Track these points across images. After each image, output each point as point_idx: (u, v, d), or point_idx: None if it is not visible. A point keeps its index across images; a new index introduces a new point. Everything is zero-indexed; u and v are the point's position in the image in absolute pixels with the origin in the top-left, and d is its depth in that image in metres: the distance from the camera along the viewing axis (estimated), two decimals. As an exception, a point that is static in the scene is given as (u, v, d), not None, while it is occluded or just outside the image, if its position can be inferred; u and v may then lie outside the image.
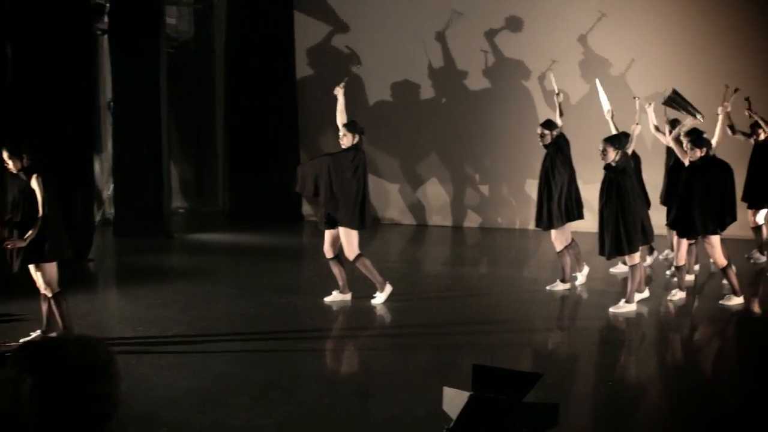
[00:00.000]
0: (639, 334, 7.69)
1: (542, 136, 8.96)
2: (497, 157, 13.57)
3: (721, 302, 8.37)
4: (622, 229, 7.89)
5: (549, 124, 9.00)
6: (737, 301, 8.35)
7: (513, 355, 6.73)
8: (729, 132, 9.72)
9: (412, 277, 9.90)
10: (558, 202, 8.84)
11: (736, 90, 9.11)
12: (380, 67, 13.61)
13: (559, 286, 8.99)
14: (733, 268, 8.49)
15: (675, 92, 8.79)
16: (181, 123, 14.87)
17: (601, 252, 8.07)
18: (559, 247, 8.95)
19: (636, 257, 8.06)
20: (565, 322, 8.27)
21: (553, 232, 8.93)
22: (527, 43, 13.22)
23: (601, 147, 7.98)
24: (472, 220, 13.70)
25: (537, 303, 8.57)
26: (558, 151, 8.89)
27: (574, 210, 8.89)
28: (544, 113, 12.41)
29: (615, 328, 7.74)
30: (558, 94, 9.21)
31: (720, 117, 8.96)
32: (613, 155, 7.94)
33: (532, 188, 13.14)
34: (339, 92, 8.36)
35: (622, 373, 6.46)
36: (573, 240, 9.02)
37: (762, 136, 9.79)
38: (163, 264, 10.58)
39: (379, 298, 8.32)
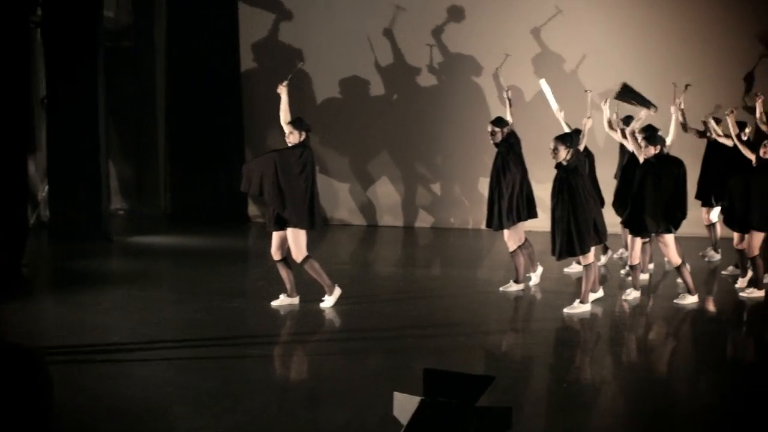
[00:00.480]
0: (594, 334, 7.84)
1: (492, 133, 9.08)
2: (449, 155, 13.68)
3: (675, 301, 8.57)
4: (574, 229, 8.03)
5: (499, 122, 9.12)
6: (692, 299, 8.56)
7: (466, 358, 6.82)
8: (682, 130, 9.95)
9: (362, 279, 9.95)
10: (509, 201, 8.96)
11: (686, 86, 9.33)
12: (328, 62, 13.63)
13: (513, 287, 9.12)
14: (688, 266, 8.71)
15: (625, 86, 8.97)
16: (120, 120, 14.71)
17: (553, 252, 8.22)
18: (512, 247, 9.08)
19: (590, 257, 8.22)
20: (519, 323, 8.39)
21: (505, 232, 9.06)
22: (478, 37, 13.34)
23: (552, 145, 8.11)
24: (423, 220, 13.79)
25: (490, 304, 8.68)
26: (509, 150, 9.01)
27: (525, 209, 9.03)
28: (496, 110, 12.55)
29: (569, 329, 7.89)
30: (508, 90, 9.34)
31: (674, 115, 9.19)
32: (564, 154, 8.08)
33: (485, 187, 13.27)
34: (282, 90, 8.37)
35: (577, 375, 6.59)
36: (526, 240, 9.16)
37: (714, 136, 10.05)
38: (102, 268, 10.48)
39: (327, 302, 8.35)
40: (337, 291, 8.38)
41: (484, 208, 10.02)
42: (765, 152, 8.64)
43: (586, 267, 8.23)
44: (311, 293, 8.44)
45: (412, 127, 13.74)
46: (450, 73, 13.59)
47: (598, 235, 8.19)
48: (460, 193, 13.73)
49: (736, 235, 9.14)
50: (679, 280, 8.83)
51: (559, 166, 8.15)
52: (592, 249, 8.21)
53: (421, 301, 8.74)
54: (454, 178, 13.72)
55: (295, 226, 8.09)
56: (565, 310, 8.23)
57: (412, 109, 13.71)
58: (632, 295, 8.75)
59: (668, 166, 8.39)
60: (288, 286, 8.38)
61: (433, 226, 13.71)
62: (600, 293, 8.60)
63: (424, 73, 13.69)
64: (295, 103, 8.49)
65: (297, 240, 8.14)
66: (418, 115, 13.70)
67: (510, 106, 9.21)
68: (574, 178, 8.05)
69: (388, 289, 9.36)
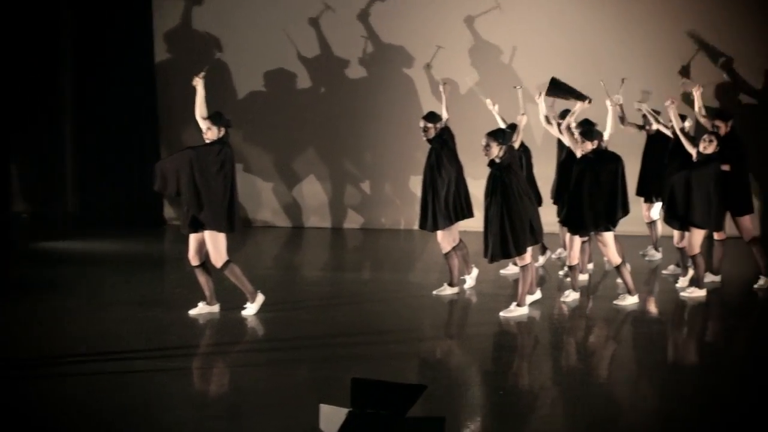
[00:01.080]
0: (531, 338, 7.92)
1: (425, 129, 9.10)
2: (379, 151, 13.68)
3: (615, 302, 8.72)
4: (508, 230, 8.10)
5: (432, 117, 9.15)
6: (632, 300, 8.71)
7: (399, 366, 6.82)
8: (620, 123, 10.13)
9: (287, 284, 9.88)
10: (444, 200, 9.00)
11: (623, 80, 9.50)
12: (251, 53, 13.50)
13: (447, 291, 9.16)
14: (628, 266, 8.86)
15: (554, 80, 9.07)
16: (22, 115, 14.34)
17: (486, 254, 8.27)
18: (446, 248, 9.12)
19: (526, 258, 8.30)
20: (453, 328, 8.43)
21: (439, 233, 9.09)
22: (409, 28, 13.37)
23: (484, 142, 8.16)
24: (352, 221, 13.76)
25: (424, 309, 8.70)
26: (443, 146, 9.05)
27: (462, 209, 9.07)
28: (429, 104, 12.61)
29: (506, 333, 7.95)
30: (444, 84, 9.37)
31: (610, 109, 9.34)
32: (496, 151, 8.13)
33: (417, 185, 13.32)
34: (198, 83, 8.26)
35: (515, 381, 6.64)
36: (461, 240, 9.21)
37: (654, 127, 10.24)
38: (3, 277, 10.21)
39: (250, 309, 8.27)
40: (260, 298, 8.30)
41: (416, 207, 10.06)
42: (705, 147, 8.84)
43: (523, 268, 8.31)
44: (232, 300, 8.35)
45: (340, 122, 13.71)
46: (380, 65, 13.58)
47: (534, 235, 8.26)
48: (391, 192, 13.74)
49: (676, 233, 9.34)
50: (619, 281, 8.98)
51: (491, 163, 8.20)
52: (529, 250, 8.29)
53: (351, 307, 8.71)
54: (384, 176, 13.73)
55: (213, 228, 7.98)
56: (502, 314, 8.29)
57: (340, 103, 13.67)
58: (571, 296, 8.86)
59: (606, 162, 8.52)
60: (207, 293, 8.28)
61: (362, 227, 13.69)
62: (538, 295, 8.69)
63: (353, 66, 13.66)
64: (215, 96, 8.39)
65: (216, 244, 8.04)
66: (346, 109, 13.67)
67: (445, 100, 9.24)
68: (508, 175, 8.11)
69: (315, 294, 9.30)
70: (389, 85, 13.52)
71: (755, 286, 9.41)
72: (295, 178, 13.91)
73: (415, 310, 8.64)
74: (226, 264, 8.12)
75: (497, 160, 8.15)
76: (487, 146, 8.13)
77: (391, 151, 13.59)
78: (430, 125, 9.09)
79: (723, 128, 9.33)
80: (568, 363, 7.19)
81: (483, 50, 13.25)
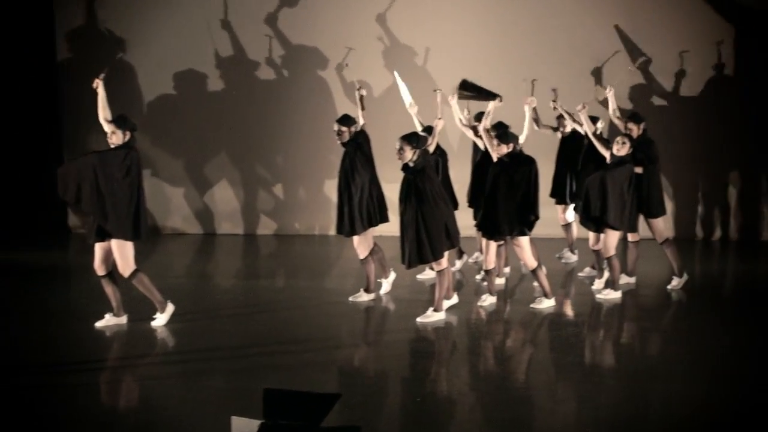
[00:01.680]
0: (449, 344, 8.02)
1: (339, 133, 9.13)
2: (292, 155, 13.66)
3: (532, 306, 8.88)
4: (424, 235, 8.18)
5: (346, 120, 9.18)
6: (549, 303, 8.89)
7: (315, 375, 6.82)
8: (534, 126, 10.32)
9: (199, 293, 9.79)
10: (359, 205, 9.04)
11: (533, 81, 9.68)
12: (158, 53, 13.35)
13: (363, 297, 9.20)
14: (544, 269, 9.03)
15: (464, 82, 9.18)
16: None
17: (403, 260, 8.34)
18: (362, 254, 9.16)
19: (443, 263, 8.40)
20: (370, 335, 8.48)
21: (355, 238, 9.13)
22: (321, 28, 13.39)
23: (397, 145, 8.23)
24: (266, 227, 13.71)
25: (340, 316, 8.73)
26: (357, 150, 9.09)
27: (376, 213, 9.13)
28: (343, 107, 12.65)
29: (424, 339, 8.03)
30: (360, 87, 9.41)
31: (526, 111, 9.52)
32: (410, 154, 8.21)
33: (331, 190, 13.35)
34: (98, 85, 8.14)
35: (433, 388, 6.72)
36: (376, 245, 9.26)
37: (568, 129, 10.47)
38: None
39: (160, 320, 8.18)
40: (170, 308, 8.22)
41: (331, 212, 10.09)
42: (618, 149, 9.07)
43: (439, 273, 8.40)
44: (141, 311, 8.26)
45: (253, 125, 13.64)
46: (292, 66, 13.57)
47: (450, 240, 8.36)
48: (305, 197, 13.73)
49: (591, 235, 9.56)
50: (536, 284, 9.15)
51: (405, 167, 8.27)
52: (445, 254, 8.38)
53: (265, 316, 8.69)
54: (298, 180, 13.71)
55: (119, 237, 7.87)
56: (419, 320, 8.37)
57: (251, 105, 13.60)
58: (488, 301, 8.99)
59: (520, 165, 8.67)
60: (114, 304, 8.17)
61: (276, 233, 13.65)
62: (454, 300, 8.79)
63: (264, 67, 13.61)
64: (121, 98, 8.27)
65: (123, 252, 7.93)
66: (258, 112, 13.61)
67: (362, 103, 9.27)
68: (422, 180, 8.19)
69: (228, 303, 9.25)
70: (302, 87, 13.51)
71: (669, 287, 9.69)
72: (207, 183, 13.79)
73: (331, 317, 8.66)
74: (134, 273, 8.01)
75: (411, 164, 8.22)
76: (401, 150, 8.19)
77: (304, 155, 13.58)
78: (344, 129, 9.12)
79: (635, 130, 9.59)
80: (486, 368, 7.29)
81: (397, 51, 13.35)
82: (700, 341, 7.76)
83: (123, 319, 8.21)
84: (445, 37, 13.20)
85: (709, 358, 7.27)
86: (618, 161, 9.07)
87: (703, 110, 13.10)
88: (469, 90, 9.12)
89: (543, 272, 8.93)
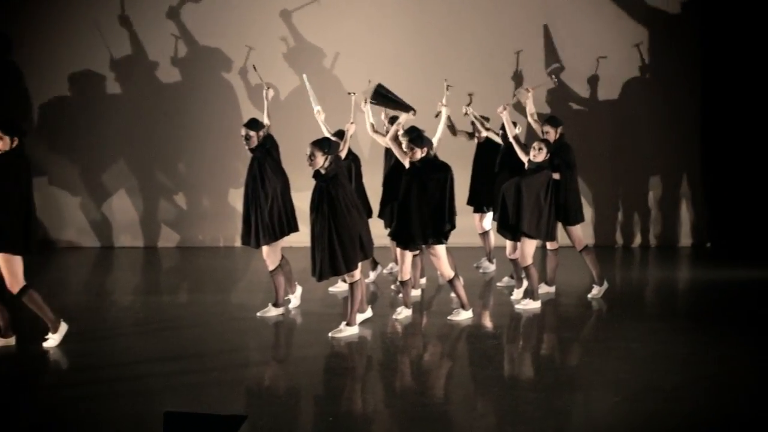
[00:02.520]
0: (363, 359, 7.98)
1: (247, 138, 9.02)
2: (196, 162, 13.50)
3: (449, 318, 8.90)
4: (337, 245, 8.12)
5: (254, 124, 9.08)
6: (466, 315, 8.92)
7: (222, 395, 6.73)
8: (450, 132, 10.36)
9: (96, 311, 9.59)
10: (269, 214, 8.94)
11: (447, 86, 9.74)
12: (51, 53, 13.08)
13: (272, 311, 9.11)
14: (461, 279, 9.07)
15: (379, 88, 9.15)
16: None
17: (314, 273, 8.27)
18: (272, 265, 9.07)
19: (356, 274, 8.35)
20: (280, 352, 8.39)
21: (264, 248, 9.03)
22: (225, 27, 13.30)
23: (308, 151, 8.16)
24: (168, 239, 13.52)
25: (248, 332, 8.62)
26: (267, 155, 8.99)
27: (287, 223, 9.04)
28: (249, 111, 12.55)
29: (337, 355, 7.97)
30: (268, 89, 9.32)
31: (444, 111, 9.53)
32: (321, 161, 8.15)
33: (236, 199, 13.23)
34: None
35: (347, 406, 6.66)
36: (283, 258, 9.19)
37: (484, 134, 10.55)
38: None
39: (52, 340, 7.97)
40: (64, 327, 8.01)
41: (237, 222, 9.94)
42: (535, 155, 9.17)
43: (352, 285, 8.35)
44: (32, 331, 8.06)
45: (153, 130, 13.44)
46: (194, 68, 13.43)
47: (364, 250, 8.32)
48: (209, 206, 13.57)
49: (508, 244, 9.64)
50: (453, 295, 9.17)
51: (317, 174, 8.21)
52: (359, 266, 8.34)
53: (168, 333, 8.55)
54: (201, 188, 13.55)
55: (6, 251, 7.65)
56: (331, 335, 8.31)
57: (152, 109, 13.41)
58: (404, 313, 8.98)
59: (434, 172, 8.67)
60: (2, 323, 7.94)
61: (178, 245, 13.48)
62: (369, 313, 8.76)
63: (166, 68, 13.44)
64: (7, 102, 8.04)
65: (11, 267, 7.71)
66: (159, 116, 13.42)
67: (267, 106, 9.18)
68: (335, 187, 8.14)
69: (127, 320, 9.08)
70: (204, 89, 13.36)
71: (589, 296, 9.84)
72: (104, 192, 13.53)
73: (238, 333, 8.55)
74: (23, 290, 7.79)
75: (322, 171, 8.17)
76: (312, 156, 8.13)
77: (208, 161, 13.45)
78: (252, 133, 9.01)
79: (552, 134, 9.71)
80: (402, 384, 7.27)
81: (305, 53, 13.31)
82: (621, 350, 7.88)
83: (11, 340, 7.99)
84: (357, 37, 13.21)
85: (631, 368, 7.38)
86: (535, 167, 9.17)
87: (622, 115, 13.40)
88: (384, 98, 9.09)
89: (460, 282, 8.97)
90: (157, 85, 13.43)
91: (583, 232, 10.05)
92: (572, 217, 9.72)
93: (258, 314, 9.08)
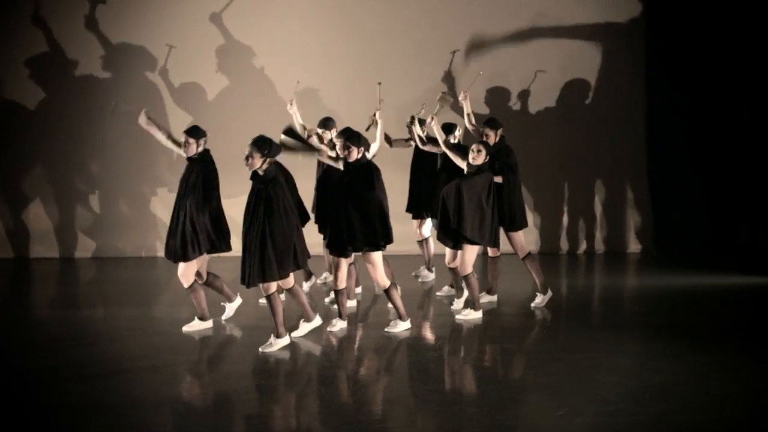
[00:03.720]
0: (299, 374, 7.98)
1: (186, 144, 8.91)
2: (115, 167, 13.38)
3: (387, 330, 8.94)
4: (270, 250, 8.12)
5: (195, 132, 8.97)
6: (404, 326, 8.97)
7: (145, 416, 6.70)
8: (387, 144, 10.37)
9: (6, 327, 9.50)
10: (201, 227, 8.82)
11: (379, 84, 9.77)
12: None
13: (199, 326, 9.08)
14: (398, 289, 9.11)
15: (288, 130, 8.87)
16: None
17: (243, 280, 8.26)
18: (187, 282, 9.01)
19: (289, 281, 8.38)
20: (207, 368, 8.35)
21: (181, 264, 8.92)
22: (146, 26, 13.23)
23: (246, 151, 8.15)
24: (84, 249, 13.38)
25: (174, 348, 8.59)
26: (208, 165, 8.89)
27: (220, 239, 8.94)
28: (175, 112, 12.51)
29: (266, 371, 7.96)
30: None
31: (379, 124, 9.49)
32: (259, 162, 8.15)
33: (158, 206, 13.16)
34: None
35: (279, 425, 6.66)
36: (210, 274, 9.18)
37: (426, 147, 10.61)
38: None
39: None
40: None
41: (160, 230, 9.84)
42: (474, 157, 9.25)
43: (269, 297, 8.36)
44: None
45: (71, 132, 13.31)
46: (114, 66, 13.32)
47: (296, 261, 8.32)
48: (130, 214, 13.45)
49: (448, 252, 9.69)
50: (390, 306, 9.21)
51: (254, 175, 8.21)
52: (291, 275, 8.36)
53: (86, 349, 8.49)
54: (120, 195, 13.42)
55: None
56: (261, 350, 8.31)
57: (72, 110, 13.28)
58: (338, 325, 9.01)
59: (365, 175, 8.69)
60: None
61: (95, 255, 13.34)
62: (317, 321, 8.86)
63: (86, 65, 13.33)
64: None
65: None
66: (78, 117, 13.30)
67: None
68: (273, 189, 8.14)
69: (42, 337, 9.01)
70: (128, 88, 13.25)
71: (532, 305, 9.96)
72: (16, 198, 13.36)
73: (162, 349, 8.50)
74: None
75: (261, 173, 8.17)
76: (250, 156, 8.12)
77: (128, 167, 13.33)
78: (191, 140, 8.90)
79: (492, 137, 9.81)
80: (338, 400, 7.29)
81: (233, 52, 13.30)
82: (566, 360, 7.99)
83: None
84: (285, 37, 13.24)
85: (577, 378, 7.48)
86: (475, 171, 9.24)
87: (565, 118, 13.58)
88: (291, 139, 8.89)
89: (397, 292, 9.01)
90: (77, 85, 13.29)
91: (526, 239, 10.16)
92: (516, 222, 9.81)
93: (184, 329, 9.06)
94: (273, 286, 8.35)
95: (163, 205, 12.95)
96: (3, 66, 13.21)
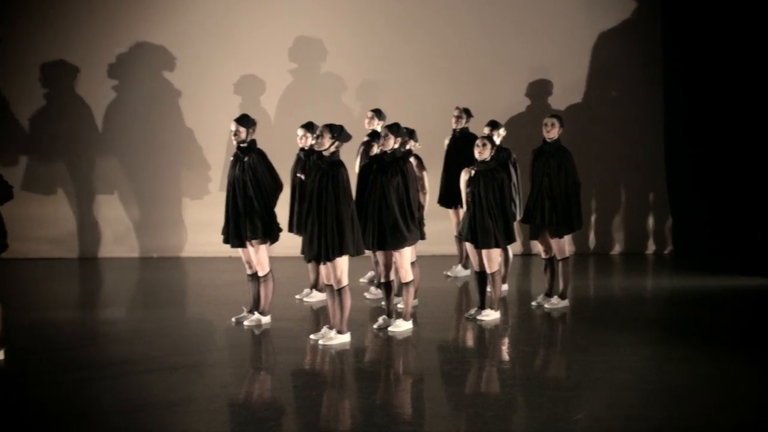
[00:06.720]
0: (336, 373, 8.14)
1: (237, 133, 9.17)
2: (162, 167, 13.76)
3: (390, 329, 9.12)
4: (348, 226, 8.40)
5: (244, 120, 9.25)
6: (406, 326, 9.14)
7: (196, 412, 6.89)
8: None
9: (77, 324, 9.85)
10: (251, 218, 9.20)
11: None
12: None
13: (259, 320, 9.40)
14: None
15: None
16: None
17: (314, 257, 8.50)
18: (262, 271, 9.33)
19: (344, 280, 8.64)
20: (257, 364, 8.57)
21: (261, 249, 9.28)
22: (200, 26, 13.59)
23: (318, 131, 8.47)
24: (133, 248, 13.74)
25: (233, 343, 8.95)
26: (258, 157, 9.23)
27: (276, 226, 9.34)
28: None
29: (320, 367, 8.18)
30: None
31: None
32: (327, 144, 8.44)
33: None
34: None
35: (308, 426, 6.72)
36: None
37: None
38: None
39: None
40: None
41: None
42: (480, 152, 9.35)
43: (340, 290, 8.54)
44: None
45: (143, 130, 13.71)
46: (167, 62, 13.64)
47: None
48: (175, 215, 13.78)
49: (472, 253, 9.65)
50: (398, 301, 9.46)
51: (319, 155, 8.48)
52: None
53: (141, 346, 8.75)
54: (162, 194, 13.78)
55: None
56: (322, 343, 8.59)
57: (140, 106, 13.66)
58: (403, 326, 9.16)
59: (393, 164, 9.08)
60: None
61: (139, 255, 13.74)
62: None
63: (147, 63, 13.69)
64: None
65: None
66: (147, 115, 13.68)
67: None
68: (338, 170, 8.38)
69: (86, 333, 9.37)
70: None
71: (546, 305, 10.02)
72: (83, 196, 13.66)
73: (218, 346, 8.87)
74: None
75: (326, 154, 8.45)
76: (320, 136, 8.43)
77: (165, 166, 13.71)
78: (242, 129, 9.18)
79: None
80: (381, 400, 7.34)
81: (302, 49, 13.52)
82: (584, 362, 7.99)
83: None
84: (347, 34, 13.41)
85: (594, 381, 7.52)
86: (492, 167, 9.40)
87: (583, 119, 13.38)
88: None
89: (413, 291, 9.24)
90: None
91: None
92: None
93: (245, 323, 9.33)
94: (345, 278, 8.52)
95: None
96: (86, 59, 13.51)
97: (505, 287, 10.42)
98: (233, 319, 9.48)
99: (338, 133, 8.43)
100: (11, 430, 6.61)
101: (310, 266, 9.94)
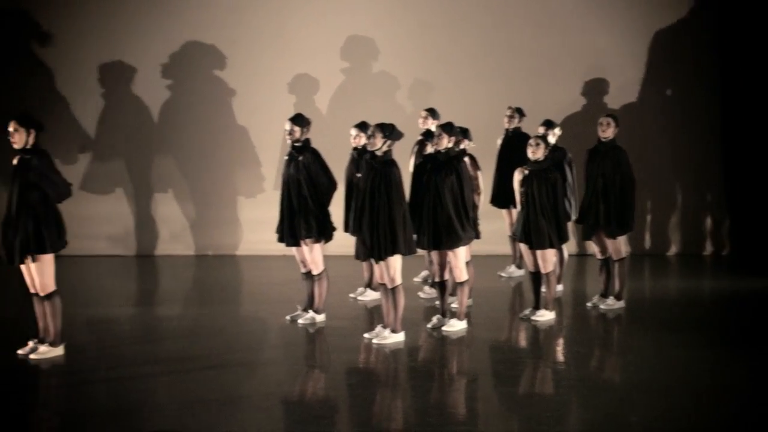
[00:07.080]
0: (390, 372, 8.27)
1: (291, 132, 9.26)
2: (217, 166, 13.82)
3: (444, 329, 9.20)
4: (400, 226, 8.43)
5: (299, 120, 9.28)
6: (461, 325, 9.17)
7: (249, 409, 7.00)
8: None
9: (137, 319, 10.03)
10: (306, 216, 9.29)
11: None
12: None
13: (314, 318, 9.47)
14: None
15: None
16: None
17: (369, 254, 8.55)
18: (316, 270, 9.40)
19: (398, 278, 8.65)
20: (311, 362, 8.66)
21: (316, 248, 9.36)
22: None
23: (370, 131, 8.57)
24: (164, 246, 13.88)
25: (288, 342, 9.06)
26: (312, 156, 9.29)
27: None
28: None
29: (374, 366, 8.36)
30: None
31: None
32: (380, 143, 8.49)
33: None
34: None
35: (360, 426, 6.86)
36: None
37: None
38: None
39: (41, 352, 8.17)
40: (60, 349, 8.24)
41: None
42: (534, 151, 9.35)
43: (394, 289, 8.62)
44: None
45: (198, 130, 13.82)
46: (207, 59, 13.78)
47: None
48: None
49: (526, 254, 9.68)
50: (452, 301, 9.40)
51: (372, 155, 8.55)
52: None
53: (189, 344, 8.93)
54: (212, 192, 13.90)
55: (43, 251, 7.96)
56: (375, 341, 8.67)
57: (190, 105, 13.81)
58: (457, 326, 9.30)
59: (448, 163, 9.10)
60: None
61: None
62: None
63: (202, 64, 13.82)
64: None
65: (45, 269, 8.05)
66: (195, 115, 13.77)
67: None
68: (391, 169, 8.44)
69: (125, 332, 9.47)
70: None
71: (602, 306, 10.00)
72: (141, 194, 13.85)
73: (272, 345, 8.96)
74: (53, 294, 8.10)
75: (378, 153, 8.52)
76: (372, 136, 8.51)
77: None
78: (297, 128, 9.26)
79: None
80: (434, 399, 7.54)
81: (350, 48, 13.58)
82: (636, 363, 8.04)
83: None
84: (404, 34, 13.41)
85: (645, 380, 7.49)
86: (546, 166, 9.42)
87: (638, 120, 13.27)
88: None
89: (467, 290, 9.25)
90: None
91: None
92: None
93: (300, 322, 9.42)
94: (399, 277, 8.57)
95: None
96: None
97: (560, 288, 10.41)
98: (288, 317, 9.57)
99: (389, 132, 8.50)
100: (70, 424, 6.85)
101: (365, 265, 10.00)
